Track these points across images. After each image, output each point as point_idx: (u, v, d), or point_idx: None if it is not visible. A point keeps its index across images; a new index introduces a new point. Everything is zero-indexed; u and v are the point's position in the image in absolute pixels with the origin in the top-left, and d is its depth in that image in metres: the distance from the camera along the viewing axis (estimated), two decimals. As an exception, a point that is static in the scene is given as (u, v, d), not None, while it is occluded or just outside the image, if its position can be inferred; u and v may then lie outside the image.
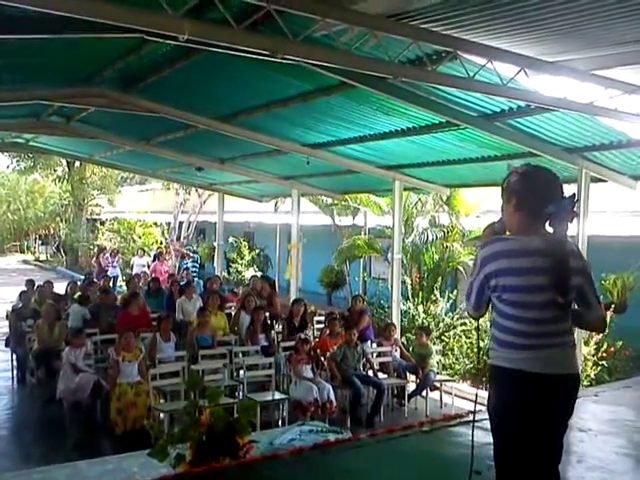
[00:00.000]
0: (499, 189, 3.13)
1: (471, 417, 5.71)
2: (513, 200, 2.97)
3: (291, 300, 11.93)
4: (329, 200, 16.90)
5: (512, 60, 5.91)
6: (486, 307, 3.03)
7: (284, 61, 5.71)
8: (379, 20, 5.27)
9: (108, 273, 18.05)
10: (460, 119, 7.72)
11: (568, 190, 3.01)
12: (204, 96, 9.61)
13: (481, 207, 13.40)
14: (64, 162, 28.82)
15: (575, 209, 2.92)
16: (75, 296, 12.37)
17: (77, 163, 27.22)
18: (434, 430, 5.53)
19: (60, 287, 13.60)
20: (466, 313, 3.32)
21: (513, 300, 2.87)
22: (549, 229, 2.95)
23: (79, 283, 14.22)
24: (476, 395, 3.44)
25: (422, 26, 5.48)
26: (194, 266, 17.70)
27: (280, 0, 4.86)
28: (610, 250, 10.25)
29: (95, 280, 14.68)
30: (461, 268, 13.54)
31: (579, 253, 3.03)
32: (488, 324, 10.98)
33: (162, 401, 8.18)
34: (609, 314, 10.06)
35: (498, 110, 7.53)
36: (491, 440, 3.03)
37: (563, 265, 2.87)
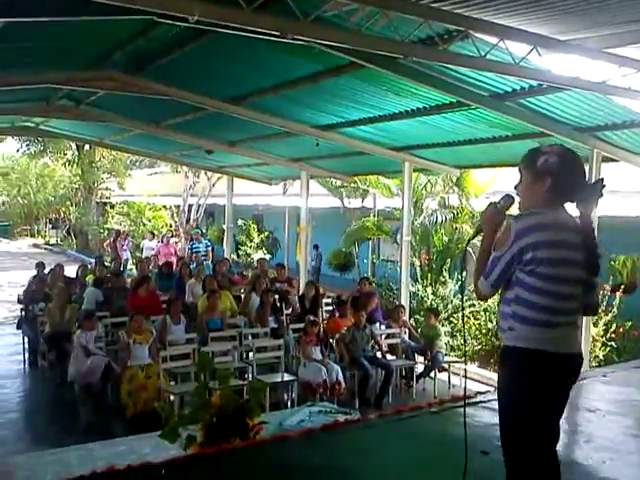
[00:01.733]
0: (514, 168, 3.11)
1: (480, 398, 5.74)
2: (547, 180, 2.92)
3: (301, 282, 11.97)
4: (338, 182, 16.85)
5: (524, 39, 5.84)
6: (501, 285, 2.98)
7: (294, 42, 5.67)
8: (390, -1, 5.21)
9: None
10: (471, 99, 7.64)
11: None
12: (214, 78, 9.56)
13: (491, 188, 13.32)
14: (74, 146, 28.87)
15: (602, 193, 2.96)
16: (87, 279, 12.45)
17: (87, 146, 27.25)
18: (442, 411, 5.55)
19: (71, 270, 13.66)
20: (474, 293, 3.22)
21: (546, 273, 2.85)
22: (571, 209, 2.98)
23: (90, 266, 14.30)
24: (465, 375, 3.34)
25: (433, 5, 5.42)
26: (206, 249, 17.70)
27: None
28: (620, 230, 10.18)
29: (107, 263, 14.76)
30: (470, 250, 13.48)
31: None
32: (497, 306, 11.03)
33: (172, 383, 8.23)
34: (618, 294, 10.07)
35: (510, 90, 7.45)
36: (497, 420, 3.02)
37: (594, 243, 2.93)
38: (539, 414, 2.91)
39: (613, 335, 9.78)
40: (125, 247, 20.41)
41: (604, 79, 6.38)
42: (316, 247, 18.29)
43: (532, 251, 2.85)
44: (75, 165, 30.07)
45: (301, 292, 11.37)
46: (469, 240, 3.61)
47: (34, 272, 12.71)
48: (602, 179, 2.99)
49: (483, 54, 5.93)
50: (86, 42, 8.15)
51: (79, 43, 8.16)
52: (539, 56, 5.96)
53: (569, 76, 6.36)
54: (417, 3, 5.36)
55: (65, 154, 31.20)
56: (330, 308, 11.05)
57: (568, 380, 2.98)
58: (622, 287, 10.23)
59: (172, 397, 7.82)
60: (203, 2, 4.89)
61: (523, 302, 2.92)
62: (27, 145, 30.07)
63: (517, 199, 3.08)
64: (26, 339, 10.82)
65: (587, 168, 8.39)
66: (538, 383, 2.89)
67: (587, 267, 2.92)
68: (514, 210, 3.10)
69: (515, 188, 3.08)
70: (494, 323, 11.00)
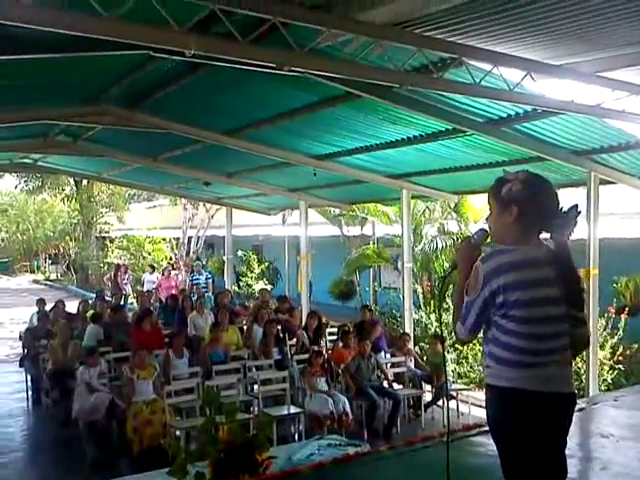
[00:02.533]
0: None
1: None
2: (513, 209, 2.76)
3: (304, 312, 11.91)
4: (337, 211, 16.88)
5: (518, 64, 5.90)
6: (480, 329, 2.83)
7: (290, 73, 5.72)
8: (384, 29, 5.25)
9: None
10: (467, 125, 7.70)
11: (576, 194, 2.97)
12: (210, 110, 9.62)
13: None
14: (72, 181, 28.99)
15: (577, 219, 2.81)
16: (87, 314, 12.39)
17: (85, 181, 27.35)
18: (454, 440, 5.45)
19: (72, 306, 13.61)
20: (455, 337, 3.12)
21: (520, 316, 2.70)
22: (544, 238, 2.83)
23: (90, 301, 14.25)
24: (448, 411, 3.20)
25: (427, 33, 5.48)
26: (206, 281, 17.66)
27: (285, 12, 4.87)
28: (621, 252, 10.19)
29: (107, 298, 14.71)
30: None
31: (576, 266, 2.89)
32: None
33: (178, 418, 8.14)
34: (623, 317, 10.02)
35: (505, 115, 7.51)
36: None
37: (572, 275, 2.76)
38: (526, 451, 2.77)
39: (620, 358, 9.72)
40: (126, 281, 20.36)
41: (598, 102, 6.43)
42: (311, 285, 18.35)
43: (503, 294, 2.68)
44: (74, 200, 30.17)
45: (303, 322, 11.30)
46: (445, 277, 3.47)
47: (35, 309, 12.65)
48: (576, 205, 2.81)
49: (477, 81, 5.98)
50: (82, 78, 8.20)
51: (75, 79, 8.21)
52: (533, 81, 6.01)
53: (563, 100, 6.41)
54: (411, 32, 5.41)
55: (63, 189, 31.31)
56: (334, 338, 10.98)
57: (555, 420, 2.78)
58: (626, 309, 10.19)
59: (178, 432, 7.74)
60: (199, 36, 4.92)
61: (499, 343, 2.78)
62: (25, 181, 30.17)
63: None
64: (29, 377, 10.72)
65: (585, 191, 8.43)
66: (520, 420, 2.75)
67: (568, 302, 2.74)
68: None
69: (486, 220, 2.94)
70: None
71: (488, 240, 2.94)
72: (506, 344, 2.74)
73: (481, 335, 2.89)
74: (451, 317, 2.93)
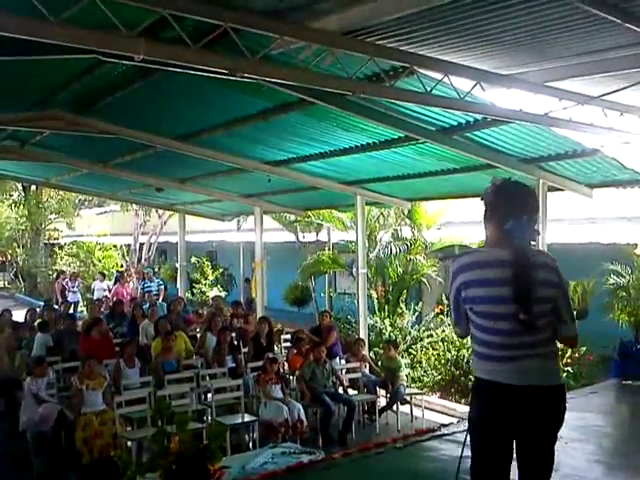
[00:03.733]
0: (464, 200, 3.20)
1: (443, 431, 5.73)
2: (486, 210, 3.02)
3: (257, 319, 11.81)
4: (292, 217, 16.86)
5: (468, 74, 5.99)
6: (466, 322, 3.02)
7: (243, 80, 5.68)
8: (336, 37, 5.28)
9: (68, 298, 17.65)
10: (419, 133, 7.79)
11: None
12: (162, 116, 9.51)
13: (442, 219, 13.53)
14: (20, 186, 28.22)
15: (536, 228, 2.93)
16: (35, 324, 12.06)
17: (33, 187, 26.68)
18: (407, 446, 5.50)
19: (19, 315, 13.22)
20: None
21: (481, 311, 2.89)
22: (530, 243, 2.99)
23: (38, 310, 13.87)
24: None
25: (378, 42, 5.52)
26: (158, 288, 17.41)
27: (237, 19, 4.84)
28: (569, 257, 10.38)
29: (55, 306, 14.35)
30: (425, 280, 13.63)
31: (555, 268, 2.98)
32: (454, 336, 11.12)
33: (129, 429, 7.98)
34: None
35: (455, 124, 7.63)
36: (468, 453, 3.01)
37: (524, 276, 2.85)
38: (495, 445, 2.92)
39: (569, 361, 9.92)
40: (75, 289, 19.90)
41: (546, 111, 6.58)
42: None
43: (464, 290, 2.92)
44: (22, 206, 29.35)
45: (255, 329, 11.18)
46: None
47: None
48: (534, 210, 2.97)
49: (429, 89, 6.06)
50: (29, 82, 8.02)
51: (22, 83, 8.02)
52: (483, 90, 6.12)
53: (513, 109, 6.54)
54: (362, 40, 5.45)
55: (11, 195, 30.42)
56: (289, 344, 10.92)
57: (533, 412, 2.87)
58: (574, 313, 10.40)
59: (129, 443, 7.60)
60: (148, 41, 4.85)
61: (476, 339, 2.99)
62: (-30, 187, 29.26)
63: None
64: (-27, 389, 10.36)
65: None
66: (487, 413, 2.90)
67: (518, 302, 2.83)
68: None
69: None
70: (452, 353, 11.07)
71: None
72: (480, 339, 2.94)
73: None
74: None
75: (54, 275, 25.03)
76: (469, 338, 3.05)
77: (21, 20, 4.41)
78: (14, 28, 4.38)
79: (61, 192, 25.58)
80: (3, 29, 4.37)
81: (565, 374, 9.85)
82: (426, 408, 9.61)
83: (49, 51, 5.60)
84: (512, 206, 2.93)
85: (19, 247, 31.44)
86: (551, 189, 8.83)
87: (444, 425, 6.18)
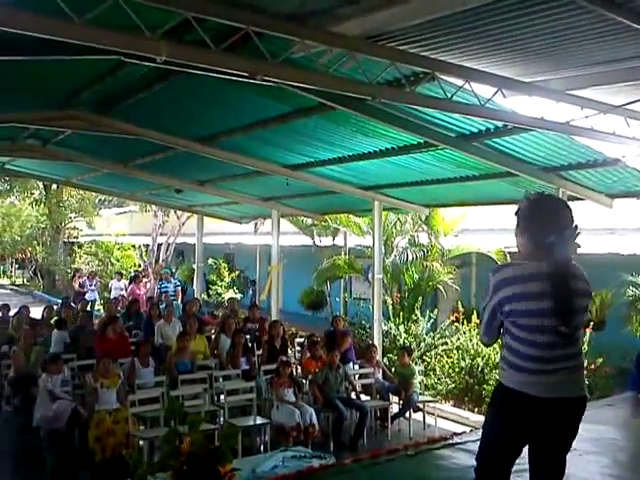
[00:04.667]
0: (482, 207, 3.21)
1: (456, 440, 5.68)
2: (520, 226, 3.04)
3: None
4: (309, 221, 16.87)
5: (489, 81, 5.96)
6: (497, 333, 3.09)
7: (263, 82, 5.70)
8: (358, 41, 5.28)
9: (86, 297, 17.81)
10: (438, 140, 7.76)
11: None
12: (183, 118, 9.56)
13: (459, 226, 13.46)
14: (41, 185, 28.50)
15: (577, 240, 2.96)
16: (52, 321, 12.17)
17: (54, 186, 26.94)
18: (419, 453, 5.45)
19: (37, 312, 13.35)
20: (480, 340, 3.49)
21: (525, 324, 2.92)
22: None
23: (55, 307, 14.00)
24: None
25: (400, 47, 5.51)
26: (175, 289, 17.48)
27: (259, 22, 4.86)
28: (588, 267, 10.30)
29: (72, 304, 14.47)
30: (441, 287, 13.57)
31: (586, 277, 3.07)
32: (469, 344, 11.04)
33: (142, 428, 8.03)
34: (588, 331, 10.14)
35: (476, 130, 7.59)
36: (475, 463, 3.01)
37: (564, 289, 2.90)
38: (503, 448, 3.01)
39: (585, 372, 9.81)
40: (93, 287, 20.07)
41: (567, 120, 6.53)
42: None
43: (508, 304, 2.94)
44: (42, 204, 29.65)
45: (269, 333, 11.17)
46: None
47: (-1, 314, 12.38)
48: (576, 226, 2.97)
49: (449, 96, 6.03)
50: (53, 81, 8.11)
51: (46, 82, 8.11)
52: (504, 97, 6.09)
53: (534, 117, 6.49)
54: (383, 45, 5.45)
55: (32, 193, 30.73)
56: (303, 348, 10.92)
57: (556, 423, 2.94)
58: (592, 324, 10.31)
59: (141, 442, 7.63)
60: (171, 42, 4.89)
61: (509, 348, 3.02)
62: (-8, 184, 29.63)
63: None
64: (-11, 384, 10.47)
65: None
66: (509, 421, 2.96)
67: (559, 314, 2.88)
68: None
69: None
70: (466, 361, 10.99)
71: None
72: (516, 351, 2.97)
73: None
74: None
75: (72, 273, 25.27)
76: (505, 349, 3.06)
77: (46, 20, 4.45)
78: (39, 28, 4.42)
79: (81, 191, 25.80)
80: (28, 29, 4.42)
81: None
82: (439, 416, 9.56)
83: (72, 51, 5.66)
84: (552, 220, 2.96)
85: (39, 245, 31.78)
86: (571, 198, 8.73)
87: (457, 434, 6.13)
